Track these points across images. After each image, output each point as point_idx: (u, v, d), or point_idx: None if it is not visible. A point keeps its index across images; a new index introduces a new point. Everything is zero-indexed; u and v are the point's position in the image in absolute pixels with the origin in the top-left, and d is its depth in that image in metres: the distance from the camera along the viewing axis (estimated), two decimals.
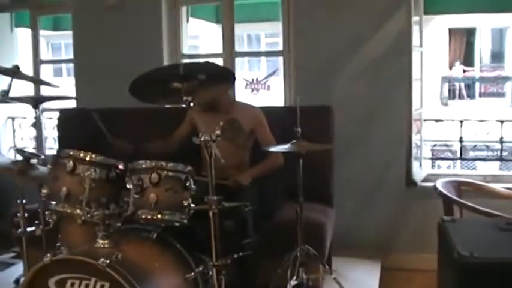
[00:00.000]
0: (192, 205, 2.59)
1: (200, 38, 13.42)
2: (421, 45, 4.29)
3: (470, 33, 16.23)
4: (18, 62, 4.06)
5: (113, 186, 2.64)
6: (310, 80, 4.20)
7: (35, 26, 4.97)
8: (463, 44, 16.33)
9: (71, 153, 2.64)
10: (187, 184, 2.61)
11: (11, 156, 5.30)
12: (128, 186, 2.58)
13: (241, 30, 12.93)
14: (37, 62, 4.99)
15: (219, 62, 4.39)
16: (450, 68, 16.03)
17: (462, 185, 3.83)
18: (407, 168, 4.09)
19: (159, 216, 2.55)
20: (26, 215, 2.83)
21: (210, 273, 2.50)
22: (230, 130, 2.47)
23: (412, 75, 4.06)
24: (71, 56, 4.87)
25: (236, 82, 3.22)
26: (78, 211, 2.56)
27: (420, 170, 4.31)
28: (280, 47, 4.40)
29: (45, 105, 4.59)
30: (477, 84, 16.25)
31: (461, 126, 4.82)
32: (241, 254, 2.73)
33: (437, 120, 5.29)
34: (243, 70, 12.94)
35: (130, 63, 4.02)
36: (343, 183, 3.92)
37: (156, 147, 3.44)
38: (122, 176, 2.64)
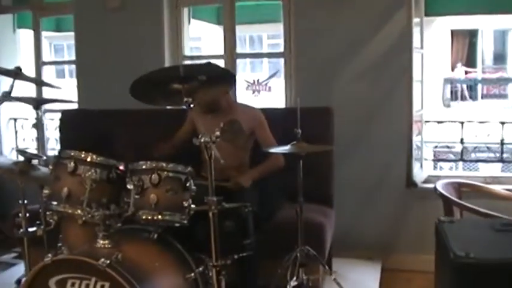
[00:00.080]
0: (192, 206, 2.60)
1: (202, 40, 13.44)
2: (421, 47, 4.30)
3: (472, 34, 16.23)
4: (21, 63, 4.09)
5: (114, 187, 2.65)
6: (310, 81, 4.21)
7: (37, 27, 4.99)
8: (465, 45, 16.33)
9: (72, 154, 2.65)
10: (188, 185, 2.62)
11: (13, 157, 5.31)
12: (128, 186, 2.59)
13: (243, 32, 12.94)
14: (39, 63, 5.01)
15: (221, 63, 4.40)
16: (452, 70, 16.03)
17: (462, 186, 3.84)
18: (407, 170, 4.09)
19: (160, 216, 2.56)
20: (27, 215, 2.85)
21: (210, 273, 2.51)
22: (230, 131, 2.48)
23: (413, 76, 4.06)
24: (73, 57, 4.90)
25: (236, 83, 3.23)
26: (79, 211, 2.57)
27: (421, 171, 4.32)
28: (281, 48, 4.41)
29: (47, 106, 4.63)
30: (479, 86, 16.25)
31: (462, 127, 4.82)
32: (241, 254, 2.73)
33: (438, 122, 5.30)
34: (245, 71, 12.96)
35: (132, 64, 4.04)
36: (343, 184, 3.93)
37: (161, 151, 3.44)
38: (122, 176, 2.66)
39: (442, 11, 4.70)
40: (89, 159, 2.63)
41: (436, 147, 6.94)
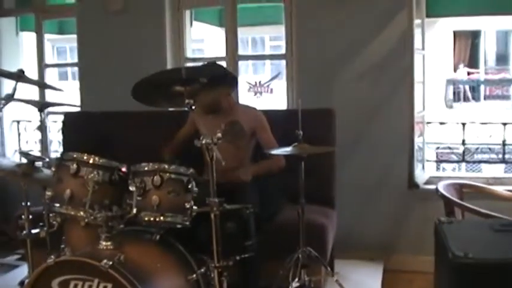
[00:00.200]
0: (194, 207, 2.61)
1: (205, 42, 13.46)
2: (423, 48, 4.30)
3: (475, 35, 16.20)
4: (24, 66, 4.10)
5: (116, 189, 2.66)
6: (312, 82, 4.22)
7: (40, 30, 5.01)
8: (468, 46, 16.30)
9: (75, 156, 2.66)
10: (189, 186, 2.63)
11: (16, 159, 5.33)
12: (130, 188, 2.60)
13: (246, 34, 12.96)
14: (42, 66, 5.03)
15: (223, 65, 4.40)
16: (455, 71, 16.00)
17: (464, 187, 3.84)
18: (409, 171, 4.09)
19: (162, 218, 2.57)
20: (30, 217, 2.86)
21: (212, 274, 2.52)
22: (231, 132, 2.49)
23: (414, 78, 4.07)
24: (76, 59, 4.92)
25: (238, 85, 3.24)
26: (81, 213, 2.58)
27: (422, 173, 4.33)
28: (283, 50, 4.42)
29: (50, 108, 4.64)
30: (482, 87, 16.22)
31: (463, 128, 4.82)
32: (243, 255, 2.74)
33: (440, 123, 5.29)
34: (247, 73, 12.98)
35: (134, 66, 4.05)
36: (345, 185, 3.94)
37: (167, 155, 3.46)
38: (124, 178, 2.67)
39: (444, 12, 4.71)
40: (91, 161, 2.65)
41: (438, 148, 6.93)
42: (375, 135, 4.13)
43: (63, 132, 4.37)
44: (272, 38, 15.06)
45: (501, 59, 16.55)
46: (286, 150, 3.06)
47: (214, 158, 2.43)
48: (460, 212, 3.44)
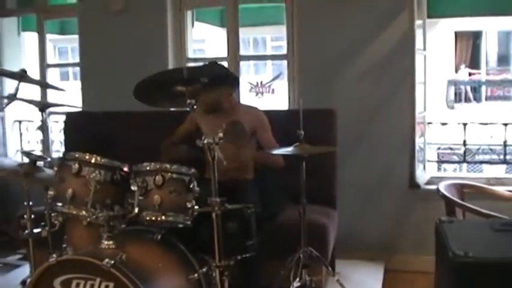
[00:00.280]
0: (196, 207, 2.62)
1: (206, 42, 13.47)
2: (424, 49, 4.30)
3: (476, 36, 16.20)
4: (25, 66, 4.12)
5: (118, 188, 2.67)
6: (314, 83, 4.23)
7: (42, 30, 5.02)
8: (469, 47, 16.30)
9: (77, 155, 2.67)
10: (191, 186, 2.64)
11: (18, 159, 5.34)
12: (132, 188, 2.61)
13: (247, 34, 12.97)
14: (44, 66, 5.04)
15: (224, 65, 4.41)
16: (456, 71, 16.00)
17: (465, 187, 3.84)
18: (410, 171, 4.10)
19: (163, 217, 2.58)
20: (32, 217, 2.87)
21: (214, 274, 2.52)
22: (232, 132, 2.50)
23: (416, 78, 4.07)
24: (77, 59, 4.93)
25: (239, 85, 3.25)
26: (83, 213, 2.58)
27: (423, 173, 4.33)
28: (285, 51, 4.43)
29: (52, 108, 4.65)
30: (483, 88, 16.21)
31: (464, 129, 4.83)
32: (244, 255, 2.75)
33: (442, 124, 5.30)
34: (248, 73, 12.98)
35: (136, 67, 4.04)
36: (346, 186, 3.94)
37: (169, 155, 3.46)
38: (126, 178, 2.68)
39: (445, 13, 4.71)
40: (93, 160, 2.65)
41: (439, 148, 6.93)
42: (376, 136, 4.13)
43: (64, 132, 4.38)
44: (273, 38, 15.07)
45: (502, 59, 16.55)
46: (288, 150, 3.06)
47: (215, 157, 2.43)
48: (461, 212, 3.45)
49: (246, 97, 4.80)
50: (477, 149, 6.61)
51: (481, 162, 7.01)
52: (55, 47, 13.89)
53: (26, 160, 2.94)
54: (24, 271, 3.86)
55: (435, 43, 12.13)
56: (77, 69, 5.08)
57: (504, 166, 7.16)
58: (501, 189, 3.94)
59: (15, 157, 5.45)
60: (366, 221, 4.18)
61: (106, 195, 2.61)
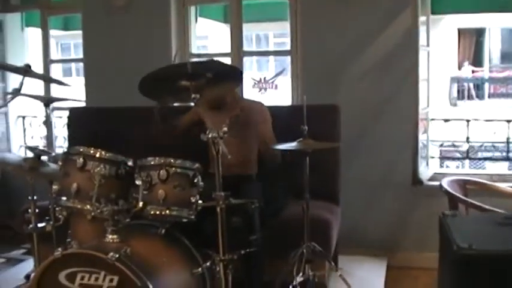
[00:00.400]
0: (200, 201, 2.63)
1: (209, 38, 13.46)
2: (428, 45, 4.31)
3: (479, 33, 16.15)
4: (29, 61, 4.13)
5: (122, 183, 2.68)
6: (317, 79, 4.23)
7: (45, 25, 5.04)
8: (472, 44, 16.25)
9: (81, 150, 2.68)
10: (195, 181, 2.65)
11: (22, 154, 5.36)
12: (136, 182, 2.62)
13: (250, 30, 12.94)
14: (47, 62, 5.05)
15: (227, 61, 4.42)
16: (459, 69, 15.96)
17: (468, 184, 3.84)
18: (413, 167, 4.11)
19: (167, 211, 2.59)
20: (36, 211, 2.88)
21: (218, 268, 2.53)
22: (236, 127, 2.50)
23: (419, 74, 4.08)
24: (80, 55, 4.94)
25: (243, 80, 3.25)
26: (88, 207, 2.60)
27: (427, 169, 4.34)
28: (288, 47, 4.43)
29: (55, 104, 4.66)
30: (486, 85, 16.17)
31: (467, 126, 4.83)
32: (247, 250, 2.76)
33: (445, 120, 5.30)
34: (251, 70, 12.97)
35: (139, 62, 4.05)
36: (349, 181, 3.95)
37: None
38: (131, 172, 2.69)
39: (448, 9, 4.71)
40: (97, 155, 2.66)
41: (442, 145, 6.93)
42: (379, 132, 4.13)
43: (68, 128, 4.39)
44: (276, 35, 15.04)
45: (506, 57, 16.49)
46: (291, 145, 3.06)
47: (220, 152, 2.44)
48: (464, 208, 3.45)
49: (249, 93, 4.80)
50: (480, 146, 6.62)
51: (484, 159, 7.01)
52: (57, 43, 13.90)
53: (31, 155, 2.96)
54: (28, 265, 3.89)
55: (438, 40, 12.09)
56: (80, 65, 5.09)
57: (507, 163, 7.16)
58: (504, 186, 3.94)
59: (18, 152, 5.47)
60: (368, 216, 4.19)
61: (110, 189, 2.62)
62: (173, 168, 2.63)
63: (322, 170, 3.51)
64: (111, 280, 2.34)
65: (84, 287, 2.36)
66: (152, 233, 2.71)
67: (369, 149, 4.15)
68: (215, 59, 2.81)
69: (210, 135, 2.42)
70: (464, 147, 5.45)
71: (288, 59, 4.45)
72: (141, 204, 2.59)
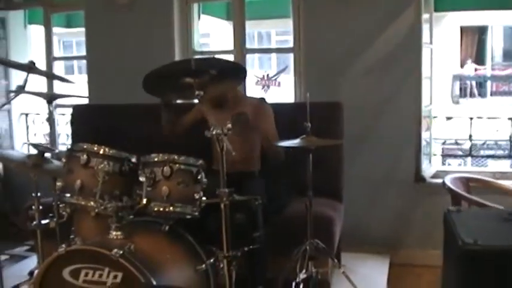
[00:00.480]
0: (203, 198, 2.63)
1: (210, 36, 13.46)
2: (431, 42, 4.30)
3: (482, 31, 16.14)
4: (32, 59, 4.13)
5: (126, 179, 2.69)
6: (320, 76, 4.23)
7: (48, 23, 5.04)
8: (475, 42, 16.24)
9: (85, 146, 2.70)
10: (199, 177, 2.66)
11: (25, 151, 5.36)
12: (140, 179, 2.63)
13: (252, 28, 12.93)
14: (50, 59, 5.06)
15: (230, 58, 4.42)
16: (461, 66, 15.96)
17: (471, 181, 3.85)
18: (416, 164, 4.11)
19: (171, 208, 2.60)
20: (40, 208, 2.89)
21: (221, 265, 2.53)
22: (238, 124, 2.50)
23: (422, 71, 4.08)
24: (82, 53, 4.94)
25: (247, 77, 3.25)
26: (91, 203, 2.61)
27: (429, 167, 4.34)
28: (290, 44, 4.43)
29: (58, 101, 4.67)
30: (488, 83, 16.17)
31: (470, 123, 4.82)
32: (251, 247, 2.76)
33: (447, 118, 5.30)
34: (253, 67, 12.96)
35: (142, 60, 4.05)
36: (352, 179, 3.95)
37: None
38: (134, 169, 2.69)
39: (451, 7, 4.71)
40: (101, 152, 2.68)
41: (444, 143, 6.93)
42: (382, 129, 4.13)
43: (71, 125, 4.39)
44: (278, 32, 15.04)
45: (508, 55, 16.48)
46: (294, 142, 3.06)
47: (224, 148, 2.44)
48: (467, 206, 3.45)
49: (252, 90, 4.80)
50: (482, 143, 6.61)
51: (487, 156, 7.00)
52: (60, 41, 13.90)
53: (34, 151, 2.96)
54: (32, 262, 3.88)
55: (441, 38, 12.09)
56: (82, 63, 5.10)
57: (509, 161, 7.16)
58: (507, 183, 3.94)
59: (21, 150, 5.48)
60: (371, 214, 4.19)
61: (114, 186, 2.64)
62: (177, 165, 2.63)
63: (325, 167, 3.51)
64: (115, 276, 2.35)
65: (88, 283, 2.38)
66: (156, 229, 2.72)
67: (371, 146, 4.15)
68: (216, 56, 2.78)
69: (214, 132, 2.42)
70: (467, 145, 5.43)
71: (291, 56, 4.45)
72: (144, 200, 2.60)
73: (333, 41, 4.18)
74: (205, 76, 2.54)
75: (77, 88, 3.99)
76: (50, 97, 3.25)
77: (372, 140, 4.15)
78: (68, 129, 4.65)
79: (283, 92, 5.19)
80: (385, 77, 4.11)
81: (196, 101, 2.60)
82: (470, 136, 4.88)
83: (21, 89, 2.99)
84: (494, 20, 14.91)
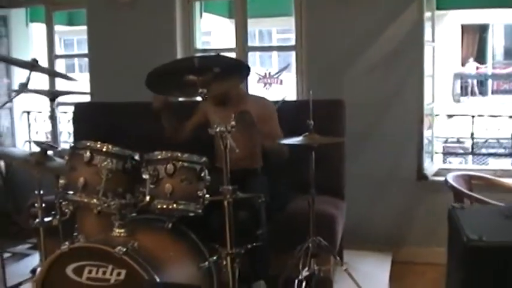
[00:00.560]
0: (207, 195, 2.63)
1: (212, 35, 13.46)
2: (433, 41, 4.30)
3: (483, 29, 16.13)
4: (34, 57, 4.13)
5: (129, 177, 2.69)
6: (322, 74, 4.23)
7: (50, 21, 5.04)
8: (476, 40, 16.23)
9: (88, 144, 2.69)
10: (202, 175, 2.66)
11: (27, 149, 5.37)
12: (143, 176, 2.62)
13: (253, 26, 12.92)
14: (52, 57, 5.06)
15: (232, 56, 4.42)
16: (463, 65, 15.94)
17: (473, 179, 3.85)
18: (418, 162, 4.12)
19: (174, 205, 2.60)
20: (43, 205, 2.88)
21: (224, 262, 2.53)
22: (241, 122, 2.50)
23: (424, 70, 4.08)
24: (83, 51, 4.94)
25: (249, 74, 3.24)
26: (95, 201, 2.60)
27: (431, 164, 4.34)
28: (291, 43, 4.43)
29: (60, 99, 4.67)
30: (490, 81, 16.15)
31: (472, 121, 4.82)
32: (254, 244, 2.76)
33: (449, 116, 5.30)
34: (255, 65, 12.96)
35: (144, 58, 4.06)
36: (354, 177, 3.95)
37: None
38: (137, 166, 2.69)
39: (453, 5, 4.71)
40: (104, 149, 2.67)
41: (446, 141, 6.93)
42: (384, 127, 4.14)
43: (74, 123, 4.39)
44: (280, 31, 15.02)
45: (509, 53, 16.46)
46: (297, 140, 3.06)
47: (228, 146, 2.44)
48: (469, 203, 3.46)
49: (254, 88, 4.80)
50: (484, 142, 6.61)
51: (489, 154, 7.00)
52: (61, 39, 13.91)
53: (37, 149, 2.96)
54: (34, 260, 3.89)
55: (442, 36, 12.07)
56: (83, 61, 5.10)
57: (510, 159, 7.16)
58: (509, 181, 3.95)
59: (23, 148, 5.48)
60: (373, 211, 4.19)
61: (117, 183, 2.63)
62: (180, 162, 2.63)
63: (328, 165, 3.52)
64: (119, 274, 2.35)
65: (92, 280, 2.38)
66: (159, 227, 2.72)
67: (374, 144, 4.15)
68: (220, 54, 2.78)
69: (217, 129, 2.42)
70: (468, 143, 5.43)
71: (293, 54, 4.45)
72: (148, 198, 2.60)
73: (335, 39, 4.19)
74: (208, 74, 2.53)
75: (78, 86, 3.99)
76: (53, 95, 3.25)
77: (374, 138, 4.15)
78: (70, 127, 4.65)
79: (286, 90, 5.20)
80: (387, 75, 4.12)
81: (199, 98, 2.59)
82: (472, 134, 4.87)
83: (24, 87, 2.99)
84: (495, 18, 14.90)
